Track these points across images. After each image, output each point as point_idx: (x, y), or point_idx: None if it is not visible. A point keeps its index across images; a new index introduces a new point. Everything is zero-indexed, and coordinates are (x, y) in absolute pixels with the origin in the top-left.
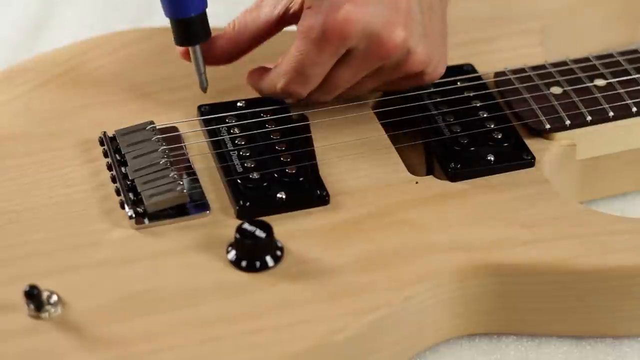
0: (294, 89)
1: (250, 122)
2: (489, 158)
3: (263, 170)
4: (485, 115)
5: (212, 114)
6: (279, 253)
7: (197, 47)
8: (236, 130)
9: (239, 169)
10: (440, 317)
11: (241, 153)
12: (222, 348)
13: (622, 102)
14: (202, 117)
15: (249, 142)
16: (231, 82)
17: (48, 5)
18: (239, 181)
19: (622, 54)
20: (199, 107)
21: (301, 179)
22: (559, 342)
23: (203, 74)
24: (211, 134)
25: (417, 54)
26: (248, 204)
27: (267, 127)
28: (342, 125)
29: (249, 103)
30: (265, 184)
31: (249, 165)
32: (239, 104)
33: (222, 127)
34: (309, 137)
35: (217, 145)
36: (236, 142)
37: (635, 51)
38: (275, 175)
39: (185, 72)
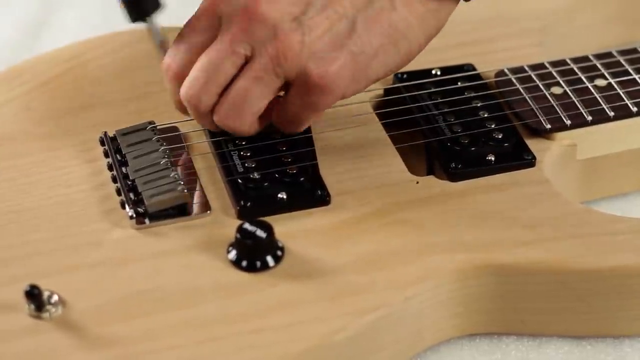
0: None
1: None
2: (489, 158)
3: (264, 170)
4: (485, 115)
5: None
6: (279, 253)
7: (152, 20)
8: None
9: (240, 169)
10: (440, 317)
11: (242, 153)
12: (223, 348)
13: (623, 102)
14: None
15: (250, 142)
16: None
17: (48, 5)
18: (239, 181)
19: (622, 53)
20: None
21: (302, 179)
22: (559, 342)
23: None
24: (212, 133)
25: (286, 35)
26: (249, 204)
27: (267, 127)
28: (342, 126)
29: None
30: (266, 184)
31: (249, 165)
32: None
33: None
34: (310, 137)
35: (217, 145)
36: (237, 142)
37: (635, 50)
38: (276, 175)
39: None
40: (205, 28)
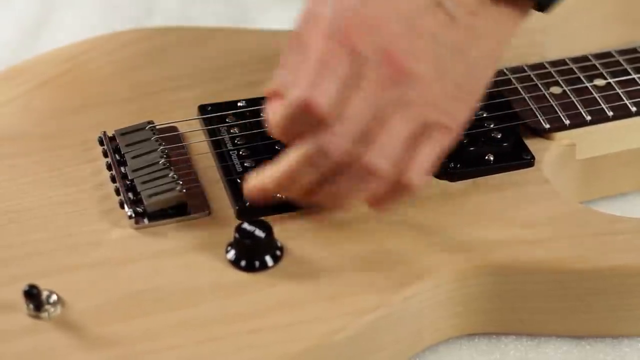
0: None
1: (250, 121)
2: (488, 158)
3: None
4: (484, 115)
5: (212, 114)
6: (278, 253)
7: None
8: (236, 129)
9: (239, 169)
10: (439, 317)
11: (241, 153)
12: (222, 348)
13: (622, 102)
14: (202, 117)
15: (249, 141)
16: (231, 82)
17: (48, 5)
18: (238, 181)
19: (622, 53)
20: (199, 107)
21: None
22: (558, 341)
23: None
24: (211, 133)
25: (431, 87)
26: (248, 203)
27: (267, 127)
28: None
29: (249, 102)
30: None
31: (248, 164)
32: (239, 103)
33: (222, 126)
34: None
35: (216, 145)
36: (236, 141)
37: (634, 50)
38: None
39: (185, 72)
40: (343, 63)
